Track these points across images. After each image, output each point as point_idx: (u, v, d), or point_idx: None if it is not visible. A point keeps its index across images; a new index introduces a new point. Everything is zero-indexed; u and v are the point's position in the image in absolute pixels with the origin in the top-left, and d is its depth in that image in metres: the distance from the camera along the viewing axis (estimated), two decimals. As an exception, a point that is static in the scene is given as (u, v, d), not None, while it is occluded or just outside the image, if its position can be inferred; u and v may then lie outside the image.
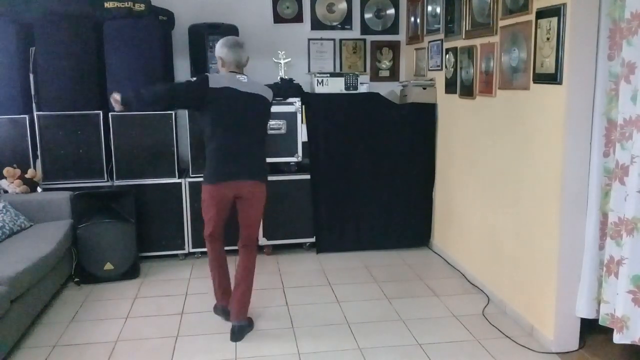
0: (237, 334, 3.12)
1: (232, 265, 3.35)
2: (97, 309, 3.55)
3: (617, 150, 2.60)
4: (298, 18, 5.04)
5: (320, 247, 4.58)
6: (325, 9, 5.10)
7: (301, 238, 4.61)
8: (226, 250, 3.30)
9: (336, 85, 4.54)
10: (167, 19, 4.62)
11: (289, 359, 2.92)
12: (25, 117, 4.12)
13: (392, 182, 4.58)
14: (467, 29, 3.83)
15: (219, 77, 3.05)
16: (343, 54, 5.18)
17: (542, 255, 3.05)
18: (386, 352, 2.97)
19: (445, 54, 4.22)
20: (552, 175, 2.93)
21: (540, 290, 3.08)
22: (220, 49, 3.09)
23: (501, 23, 3.37)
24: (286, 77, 4.64)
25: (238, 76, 3.05)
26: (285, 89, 4.45)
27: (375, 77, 5.23)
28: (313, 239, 4.59)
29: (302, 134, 4.49)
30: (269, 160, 3.26)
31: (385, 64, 5.28)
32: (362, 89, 4.61)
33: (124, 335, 3.19)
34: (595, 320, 2.85)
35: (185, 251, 4.40)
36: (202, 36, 4.51)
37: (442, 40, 4.29)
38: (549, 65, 2.88)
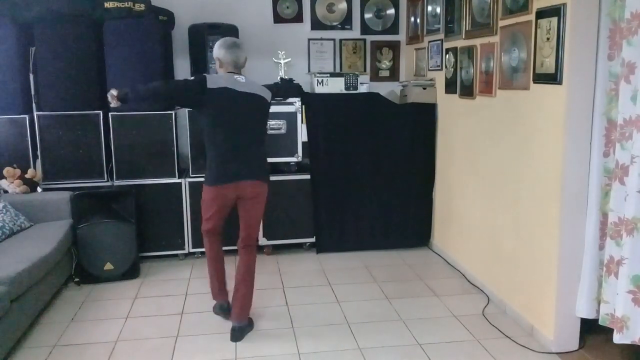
0: (237, 334, 3.12)
1: (232, 265, 3.35)
2: (97, 309, 3.55)
3: (617, 150, 2.59)
4: (298, 18, 5.04)
5: (320, 247, 4.58)
6: (325, 9, 5.10)
7: (301, 238, 4.61)
8: (225, 250, 3.30)
9: (336, 85, 4.54)
10: (167, 19, 4.62)
11: (289, 359, 2.92)
12: (25, 117, 4.12)
13: (392, 182, 4.57)
14: (467, 29, 3.83)
15: (217, 78, 3.05)
16: (343, 54, 5.18)
17: (542, 255, 3.05)
18: (386, 352, 2.97)
19: (445, 54, 4.22)
20: (552, 175, 2.93)
21: (540, 290, 3.07)
22: (218, 50, 3.08)
23: (501, 23, 3.37)
24: (286, 77, 4.64)
25: (236, 77, 3.05)
26: (285, 89, 4.45)
27: (375, 77, 5.23)
28: (313, 239, 4.59)
29: (302, 134, 4.49)
30: (269, 160, 3.26)
31: (385, 64, 5.28)
32: (362, 89, 4.61)
33: (124, 335, 3.19)
34: (595, 320, 2.84)
35: (185, 251, 4.40)
36: (202, 36, 4.51)
37: (442, 40, 4.29)
38: (549, 65, 2.88)
